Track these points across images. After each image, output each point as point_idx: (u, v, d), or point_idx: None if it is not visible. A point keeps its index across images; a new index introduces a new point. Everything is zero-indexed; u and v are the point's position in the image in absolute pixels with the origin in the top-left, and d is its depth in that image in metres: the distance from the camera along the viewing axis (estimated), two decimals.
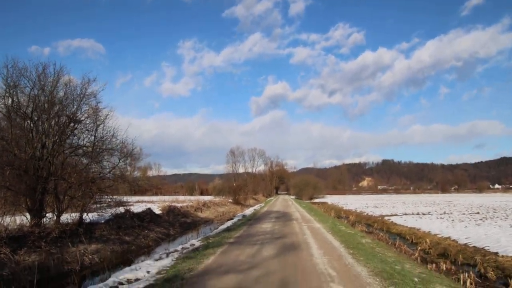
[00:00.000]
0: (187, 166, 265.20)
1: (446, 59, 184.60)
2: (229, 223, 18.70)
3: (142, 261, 10.50)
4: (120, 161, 14.58)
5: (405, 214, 25.21)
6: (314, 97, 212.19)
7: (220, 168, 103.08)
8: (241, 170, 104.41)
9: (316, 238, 11.68)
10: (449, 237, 13.69)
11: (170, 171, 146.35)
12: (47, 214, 13.08)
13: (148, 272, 7.95)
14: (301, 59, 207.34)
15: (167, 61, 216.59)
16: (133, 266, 8.77)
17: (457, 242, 12.70)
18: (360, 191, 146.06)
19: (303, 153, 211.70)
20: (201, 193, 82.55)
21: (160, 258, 10.17)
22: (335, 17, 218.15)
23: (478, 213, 24.80)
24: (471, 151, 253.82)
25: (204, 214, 30.11)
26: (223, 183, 72.77)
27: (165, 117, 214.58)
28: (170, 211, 25.56)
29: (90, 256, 12.46)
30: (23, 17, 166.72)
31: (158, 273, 7.53)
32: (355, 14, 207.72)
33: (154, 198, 54.15)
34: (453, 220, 19.43)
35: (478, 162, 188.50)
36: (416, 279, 6.59)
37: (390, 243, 13.17)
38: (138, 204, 36.10)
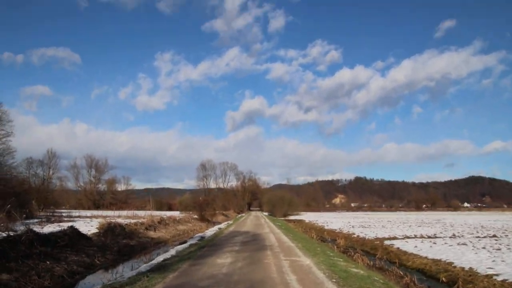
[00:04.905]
0: (159, 181, 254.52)
1: (420, 79, 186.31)
2: (170, 253, 12.50)
3: None
4: None
5: (407, 237, 19.96)
6: (290, 113, 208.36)
7: (193, 183, 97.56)
8: (212, 185, 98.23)
9: None
10: None
11: (142, 186, 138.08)
12: None
13: None
14: (279, 75, 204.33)
15: (144, 73, 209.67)
16: None
17: None
18: (333, 208, 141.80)
19: (277, 169, 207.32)
20: (170, 208, 76.03)
21: None
22: (314, 34, 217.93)
23: (495, 236, 19.94)
24: (440, 170, 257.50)
25: (158, 234, 24.12)
26: (189, 197, 66.30)
27: (140, 130, 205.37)
28: (109, 230, 19.62)
29: None
30: None
31: None
32: (333, 31, 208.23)
33: (110, 213, 48.14)
34: (483, 247, 14.27)
35: (448, 181, 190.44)
36: None
37: None
38: (84, 219, 29.80)
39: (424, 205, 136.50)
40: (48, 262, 11.78)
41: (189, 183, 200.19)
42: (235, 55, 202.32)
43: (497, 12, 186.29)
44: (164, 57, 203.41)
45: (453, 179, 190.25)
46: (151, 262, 10.46)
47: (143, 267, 9.73)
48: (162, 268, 9.02)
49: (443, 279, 10.01)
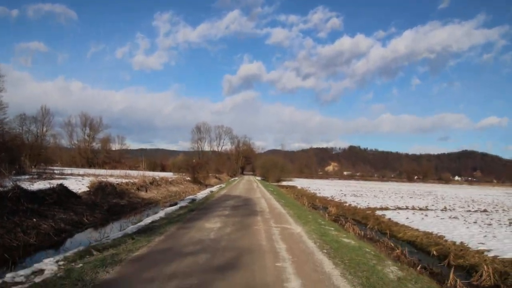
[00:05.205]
0: (154, 142, 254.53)
1: (420, 51, 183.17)
2: (159, 214, 12.27)
3: None
4: None
5: (399, 208, 19.99)
6: (288, 79, 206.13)
7: (187, 145, 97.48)
8: (206, 147, 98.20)
9: (305, 274, 5.52)
10: None
11: (137, 146, 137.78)
12: None
13: None
14: (278, 40, 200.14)
15: (142, 33, 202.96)
16: None
17: None
18: (326, 175, 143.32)
19: (272, 135, 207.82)
20: (163, 169, 76.21)
21: None
22: (315, 0, 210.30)
23: (486, 210, 20.05)
24: (434, 142, 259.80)
25: (149, 194, 23.85)
26: (183, 159, 66.15)
27: (136, 90, 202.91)
28: (100, 189, 19.25)
29: None
30: None
31: None
32: None
33: (103, 171, 47.82)
34: (475, 222, 14.22)
35: (441, 154, 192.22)
36: None
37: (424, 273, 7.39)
38: (76, 177, 29.60)
39: (415, 177, 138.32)
40: (34, 219, 11.47)
41: (183, 144, 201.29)
42: (235, 18, 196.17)
43: None
44: (163, 17, 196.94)
45: (446, 152, 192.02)
46: (138, 224, 10.21)
47: (130, 228, 9.48)
48: (149, 230, 8.76)
49: (434, 252, 9.92)
